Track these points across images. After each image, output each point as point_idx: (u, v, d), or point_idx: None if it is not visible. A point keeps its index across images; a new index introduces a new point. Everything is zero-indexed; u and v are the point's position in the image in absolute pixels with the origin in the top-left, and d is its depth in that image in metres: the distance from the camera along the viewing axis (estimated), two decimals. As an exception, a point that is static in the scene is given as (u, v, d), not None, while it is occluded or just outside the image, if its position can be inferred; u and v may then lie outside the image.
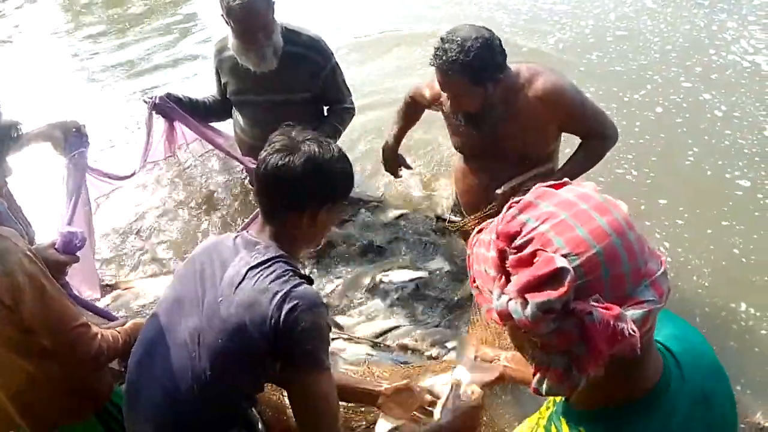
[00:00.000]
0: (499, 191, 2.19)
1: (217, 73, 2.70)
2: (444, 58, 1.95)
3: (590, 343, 0.65)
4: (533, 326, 0.66)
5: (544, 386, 0.71)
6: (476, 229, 0.80)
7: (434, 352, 2.24)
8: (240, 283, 1.31)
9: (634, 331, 0.64)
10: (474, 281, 0.78)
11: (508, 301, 0.68)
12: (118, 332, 1.59)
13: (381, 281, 2.58)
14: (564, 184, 0.75)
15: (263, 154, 1.38)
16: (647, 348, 0.75)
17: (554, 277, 0.65)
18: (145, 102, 2.60)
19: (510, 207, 0.75)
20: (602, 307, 0.65)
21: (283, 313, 1.26)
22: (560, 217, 0.69)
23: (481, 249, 0.75)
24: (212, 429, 1.35)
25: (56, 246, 1.65)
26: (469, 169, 2.46)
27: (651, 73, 3.94)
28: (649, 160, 3.24)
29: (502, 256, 0.71)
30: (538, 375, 0.72)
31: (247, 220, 2.38)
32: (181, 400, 1.31)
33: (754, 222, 2.83)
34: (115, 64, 4.83)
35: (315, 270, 2.66)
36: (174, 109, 2.62)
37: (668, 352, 0.80)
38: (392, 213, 2.95)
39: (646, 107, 3.65)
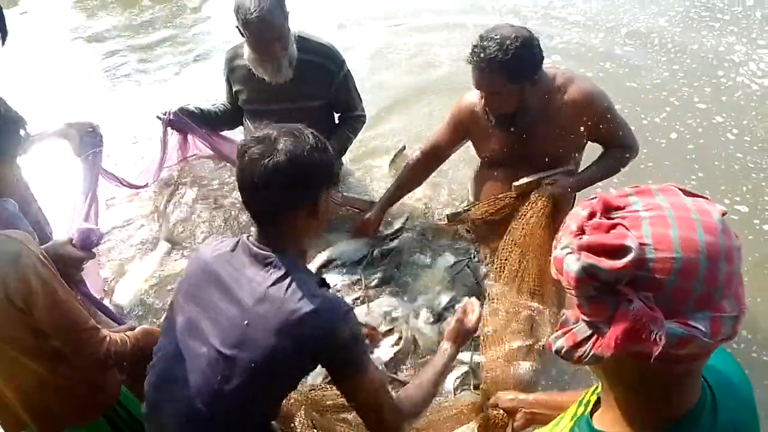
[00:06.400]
0: (516, 183, 2.21)
1: (228, 82, 2.70)
2: (482, 55, 1.97)
3: (614, 326, 0.66)
4: (574, 283, 0.68)
5: (558, 343, 0.73)
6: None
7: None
8: (265, 303, 1.31)
9: (660, 339, 0.64)
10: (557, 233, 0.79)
11: (567, 254, 0.70)
12: (128, 336, 1.61)
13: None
14: (697, 195, 0.74)
15: (243, 162, 1.33)
16: (684, 377, 0.74)
17: (617, 252, 0.66)
18: (159, 118, 2.63)
19: (630, 188, 0.74)
20: (647, 305, 0.64)
21: (320, 333, 1.30)
22: (665, 213, 0.69)
23: (578, 208, 0.76)
24: None
25: (74, 242, 1.68)
26: (491, 175, 2.45)
27: (666, 94, 3.95)
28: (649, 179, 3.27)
29: (591, 217, 0.72)
30: (558, 332, 0.74)
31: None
32: (205, 420, 1.34)
33: (747, 246, 2.86)
34: (129, 63, 4.86)
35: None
36: (188, 123, 2.66)
37: (705, 383, 0.80)
38: (396, 223, 2.73)
39: (663, 130, 3.65)
